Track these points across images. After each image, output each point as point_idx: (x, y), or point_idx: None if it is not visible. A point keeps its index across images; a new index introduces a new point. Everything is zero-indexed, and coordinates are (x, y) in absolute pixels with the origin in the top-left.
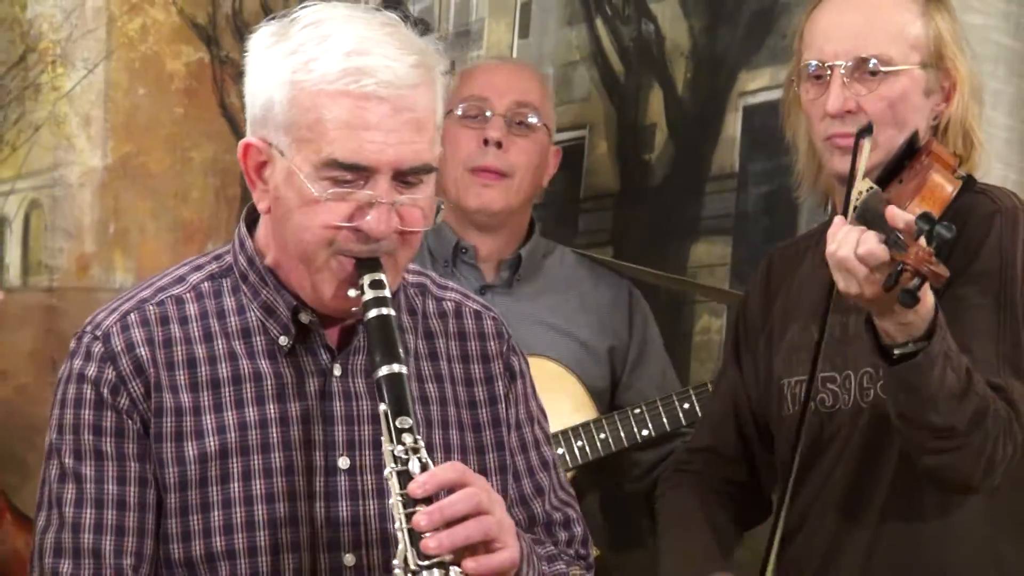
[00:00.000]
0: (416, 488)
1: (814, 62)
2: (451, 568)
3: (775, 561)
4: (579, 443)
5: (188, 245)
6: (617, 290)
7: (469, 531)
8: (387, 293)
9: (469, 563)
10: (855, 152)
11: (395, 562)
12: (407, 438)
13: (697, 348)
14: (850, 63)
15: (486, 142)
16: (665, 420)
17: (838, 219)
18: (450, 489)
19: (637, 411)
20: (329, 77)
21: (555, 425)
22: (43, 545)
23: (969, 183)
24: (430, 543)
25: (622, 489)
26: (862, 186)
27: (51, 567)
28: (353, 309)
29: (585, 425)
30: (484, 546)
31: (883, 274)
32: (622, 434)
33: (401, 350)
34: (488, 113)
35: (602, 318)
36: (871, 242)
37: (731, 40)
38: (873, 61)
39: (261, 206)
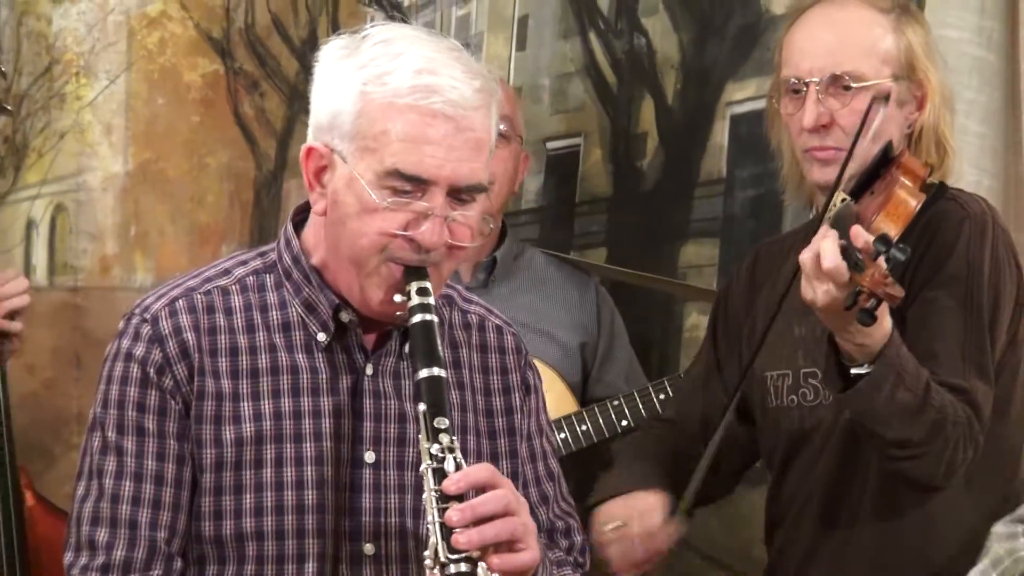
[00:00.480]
0: (450, 485)
1: (791, 78)
2: (478, 564)
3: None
4: (562, 435)
5: (204, 247)
6: (585, 288)
7: (497, 530)
8: (432, 301)
9: (494, 560)
10: (862, 123)
11: (426, 553)
12: (444, 438)
13: (687, 344)
14: (824, 79)
15: None
16: (643, 410)
17: (823, 229)
18: (481, 489)
19: (616, 403)
20: (400, 92)
21: None
22: (81, 513)
23: (941, 190)
24: (460, 538)
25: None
26: (837, 198)
27: (88, 534)
28: (398, 314)
29: (567, 418)
30: (508, 545)
31: (842, 291)
32: (603, 425)
33: (442, 355)
34: None
35: (572, 315)
36: (835, 260)
37: (718, 53)
38: (846, 77)
39: (317, 208)
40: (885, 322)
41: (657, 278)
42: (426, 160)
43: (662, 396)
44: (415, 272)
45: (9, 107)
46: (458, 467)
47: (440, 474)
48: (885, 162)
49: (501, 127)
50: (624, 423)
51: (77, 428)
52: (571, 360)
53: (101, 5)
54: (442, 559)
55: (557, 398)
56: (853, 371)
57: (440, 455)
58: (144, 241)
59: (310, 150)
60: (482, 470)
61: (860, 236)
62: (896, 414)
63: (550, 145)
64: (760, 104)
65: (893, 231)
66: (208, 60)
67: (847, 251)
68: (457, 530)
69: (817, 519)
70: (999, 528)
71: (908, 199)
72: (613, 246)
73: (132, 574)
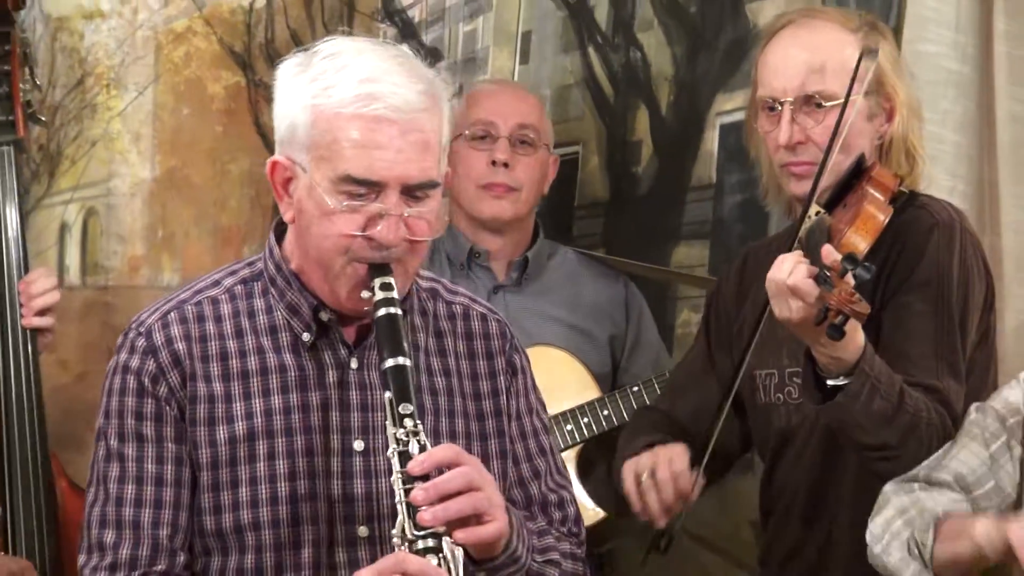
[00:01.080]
0: (414, 466)
1: (767, 97)
2: (443, 538)
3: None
4: (585, 419)
5: (227, 248)
6: (614, 284)
7: (461, 505)
8: (395, 295)
9: (459, 533)
10: (853, 79)
11: (394, 531)
12: (408, 423)
13: (679, 339)
14: (798, 99)
15: (494, 162)
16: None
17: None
18: (446, 468)
19: (635, 389)
20: (344, 102)
21: (563, 404)
22: (91, 517)
23: (911, 199)
24: (425, 515)
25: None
26: (812, 211)
27: (97, 537)
28: (366, 309)
29: (590, 404)
30: (475, 519)
31: (812, 307)
32: (623, 410)
33: (407, 345)
34: (495, 136)
35: (602, 310)
36: (801, 276)
37: (709, 66)
38: (818, 96)
39: (287, 217)
40: (857, 336)
41: (663, 269)
42: (375, 164)
43: None
44: (378, 268)
45: (43, 118)
46: (422, 449)
47: (405, 456)
48: (858, 174)
49: (529, 135)
50: None
51: None
52: (601, 351)
53: (130, 21)
54: (409, 536)
55: (581, 386)
56: (829, 382)
57: (405, 439)
58: (170, 243)
59: (275, 164)
60: (446, 450)
61: (829, 255)
62: (872, 421)
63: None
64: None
65: (863, 245)
66: (231, 73)
67: (817, 269)
68: (422, 508)
69: (802, 511)
70: (890, 487)
71: (877, 214)
72: (610, 247)
73: (137, 570)
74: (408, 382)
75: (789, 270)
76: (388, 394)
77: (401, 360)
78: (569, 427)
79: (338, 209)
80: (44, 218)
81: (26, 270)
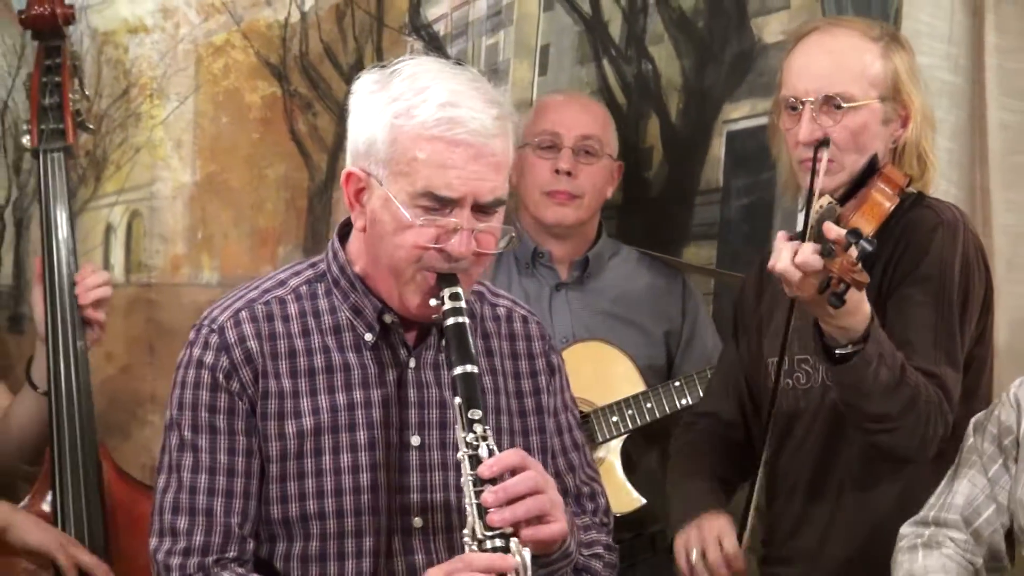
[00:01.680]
0: (484, 470)
1: (790, 97)
2: (511, 539)
3: (754, 513)
4: (630, 412)
5: (263, 248)
6: (672, 282)
7: (528, 507)
8: (463, 304)
9: (526, 532)
10: (814, 164)
11: (465, 531)
12: (477, 428)
13: None
14: (818, 99)
15: (557, 171)
16: (700, 391)
17: (780, 234)
18: (512, 471)
19: (677, 384)
20: (427, 124)
21: (611, 397)
22: (163, 503)
23: (919, 199)
24: (495, 517)
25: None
26: (824, 200)
27: (170, 522)
28: (433, 316)
29: (635, 397)
30: (538, 519)
31: (818, 279)
32: (665, 403)
33: (474, 352)
34: (559, 146)
35: (658, 306)
36: (807, 253)
37: (716, 77)
38: (838, 98)
39: (358, 224)
40: (864, 306)
41: (699, 267)
42: (452, 182)
43: None
44: (447, 279)
45: (91, 126)
46: (491, 453)
47: (475, 460)
48: (871, 172)
49: (593, 145)
50: (683, 401)
51: (151, 407)
52: (656, 346)
53: (172, 35)
54: (479, 536)
55: (628, 380)
56: (837, 351)
57: (475, 443)
58: (210, 243)
59: (349, 174)
60: (513, 455)
61: (832, 230)
62: (877, 390)
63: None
64: (753, 122)
65: (867, 228)
66: (267, 83)
67: (821, 243)
68: (492, 509)
69: (806, 491)
70: (906, 530)
71: (883, 201)
72: None
73: (210, 555)
74: (476, 388)
75: (791, 253)
76: (457, 400)
77: (470, 368)
78: (615, 419)
79: (415, 222)
80: (91, 219)
81: (76, 268)
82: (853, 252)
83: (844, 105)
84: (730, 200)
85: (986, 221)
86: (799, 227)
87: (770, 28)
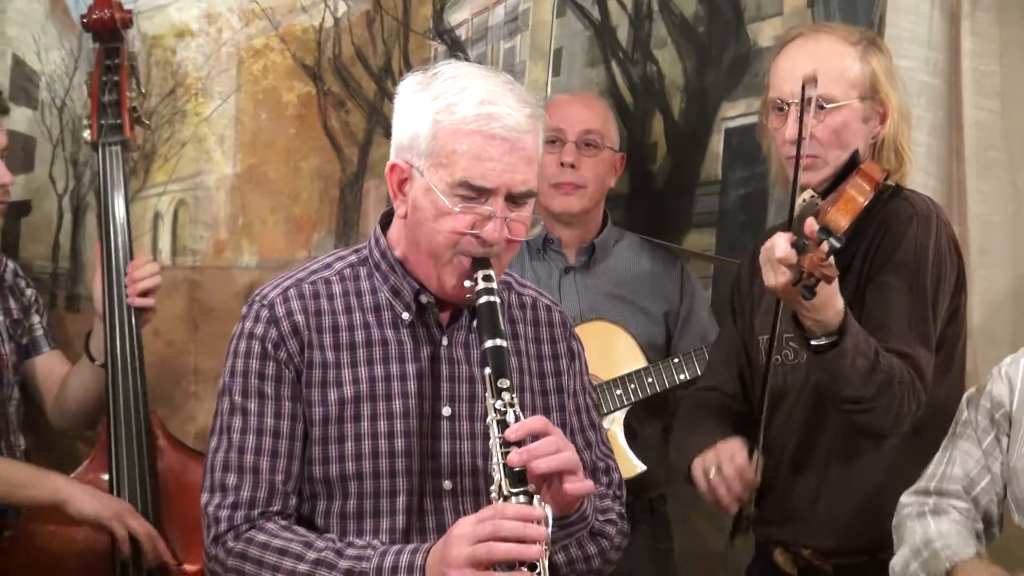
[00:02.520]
0: (511, 433)
1: (776, 99)
2: (534, 496)
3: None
4: (632, 385)
5: (299, 234)
6: (671, 267)
7: (551, 465)
8: (495, 285)
9: (548, 492)
10: (797, 162)
11: (492, 488)
12: (505, 395)
13: None
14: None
15: (562, 164)
16: (697, 367)
17: (778, 233)
18: (535, 436)
19: (676, 360)
20: (467, 119)
21: (615, 372)
22: (214, 462)
23: (896, 191)
24: (513, 458)
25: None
26: (807, 194)
27: (220, 479)
28: (467, 296)
29: (637, 372)
30: (559, 479)
31: (791, 271)
32: (664, 378)
33: (503, 329)
34: (563, 140)
35: (659, 289)
36: (784, 248)
37: (715, 78)
38: (820, 99)
39: (400, 212)
40: (836, 301)
41: (697, 252)
42: (488, 173)
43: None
44: (481, 262)
45: (147, 121)
46: (517, 419)
47: (503, 424)
48: (852, 167)
49: (594, 139)
50: (682, 376)
51: (195, 379)
52: (657, 324)
53: (216, 39)
54: (505, 492)
55: (631, 356)
56: (813, 342)
57: (503, 409)
58: (250, 229)
59: (393, 166)
60: (537, 421)
61: (808, 225)
62: (854, 375)
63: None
64: (749, 120)
65: (843, 222)
66: (303, 83)
67: (797, 238)
68: (517, 469)
69: (793, 462)
70: (907, 499)
71: (857, 196)
72: None
73: (256, 508)
74: (505, 360)
75: (780, 242)
76: (487, 370)
77: (499, 341)
78: (619, 392)
79: (454, 210)
80: (141, 208)
81: (131, 253)
82: (825, 247)
83: (826, 105)
84: (727, 191)
85: (962, 211)
86: (788, 217)
87: (765, 33)
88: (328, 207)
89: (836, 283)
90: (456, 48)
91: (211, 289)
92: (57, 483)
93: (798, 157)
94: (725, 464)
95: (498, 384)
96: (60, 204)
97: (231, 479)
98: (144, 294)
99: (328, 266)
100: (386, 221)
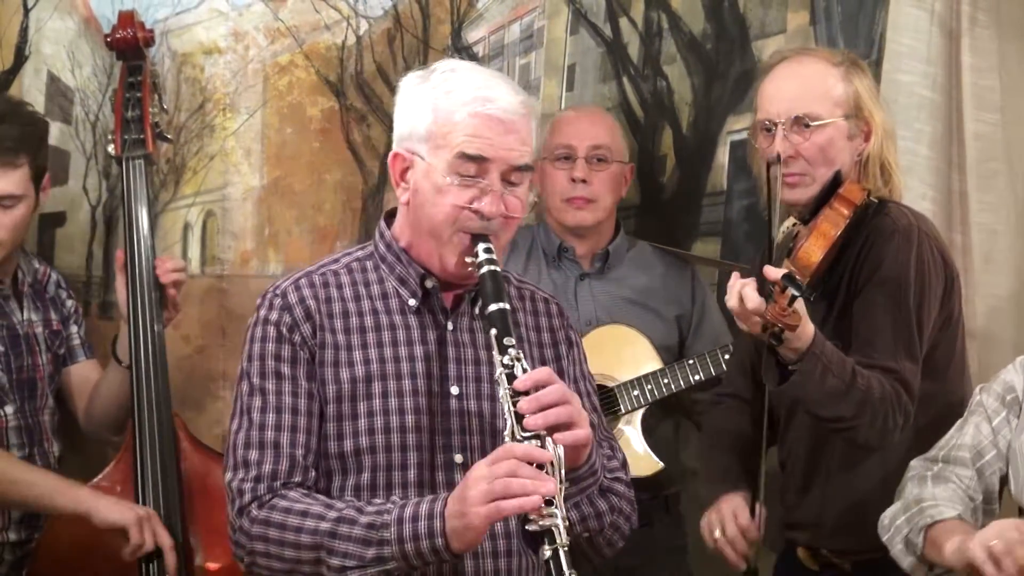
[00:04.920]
0: (519, 383)
1: (764, 120)
2: (545, 439)
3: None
4: (648, 386)
5: (322, 243)
6: (683, 272)
7: (558, 413)
8: (495, 256)
9: (557, 435)
10: (769, 182)
11: (505, 433)
12: (511, 351)
13: None
14: (789, 120)
15: (574, 179)
16: (711, 368)
17: (734, 275)
18: (542, 386)
19: (691, 362)
20: (465, 101)
21: (632, 373)
22: (236, 441)
23: (880, 207)
24: (529, 421)
25: (690, 419)
26: (788, 222)
27: (242, 456)
28: (469, 270)
29: (653, 373)
30: (567, 426)
31: (761, 320)
32: (680, 379)
33: (505, 294)
34: (574, 156)
35: (671, 294)
36: (755, 301)
37: (722, 93)
38: (806, 118)
39: (402, 199)
40: (807, 329)
41: (705, 258)
42: (484, 147)
43: (727, 356)
44: (480, 237)
45: (169, 136)
46: (524, 371)
47: (511, 377)
48: (836, 185)
49: (604, 153)
50: (696, 377)
51: (222, 384)
52: (670, 329)
53: (243, 56)
54: (517, 437)
55: (647, 358)
56: (791, 367)
57: (511, 363)
58: (275, 239)
59: (395, 155)
60: (543, 371)
61: (770, 273)
62: (827, 396)
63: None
64: None
65: (815, 255)
66: (326, 99)
67: (761, 287)
68: (527, 416)
69: (804, 467)
70: (916, 463)
71: (829, 229)
72: None
73: (278, 480)
74: (509, 321)
75: (750, 295)
76: (493, 331)
77: (503, 304)
78: (636, 392)
79: (451, 185)
80: (171, 219)
81: (154, 261)
82: (788, 295)
83: (812, 124)
84: (732, 202)
85: (964, 220)
86: (767, 241)
87: (769, 50)
88: (351, 217)
89: (805, 319)
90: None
91: (238, 297)
92: (80, 494)
93: (769, 177)
94: (728, 524)
95: (504, 342)
96: (93, 215)
97: (253, 455)
98: (174, 285)
99: (336, 260)
100: (389, 219)
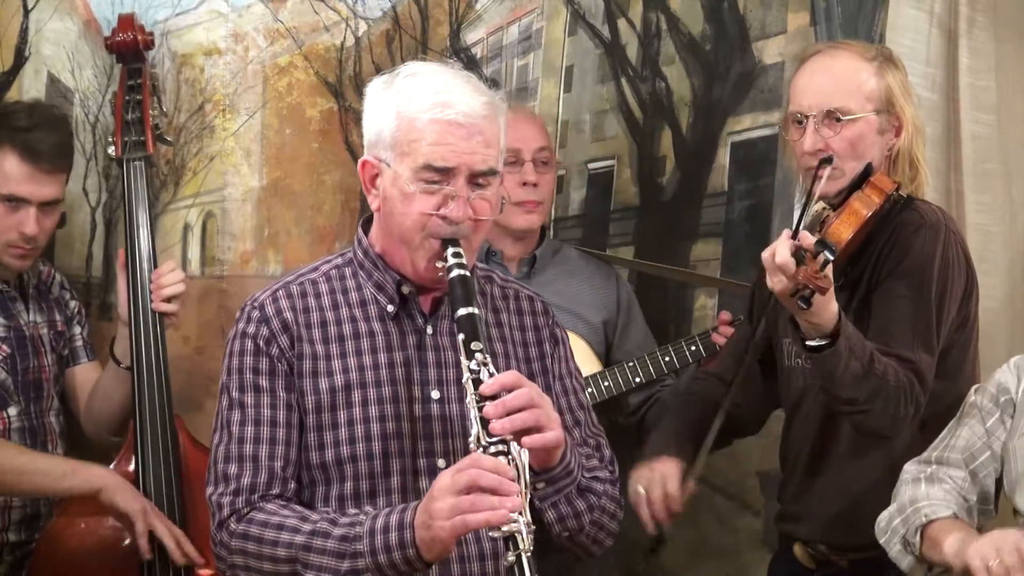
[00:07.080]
0: (485, 388)
1: (795, 112)
2: (511, 444)
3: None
4: (589, 389)
5: (321, 244)
6: (608, 277)
7: (525, 417)
8: (464, 260)
9: (525, 440)
10: (814, 177)
11: (470, 440)
12: (478, 356)
13: (696, 321)
14: (820, 113)
15: (525, 183)
16: (651, 370)
17: (786, 232)
18: (509, 389)
19: (631, 364)
20: (423, 108)
21: None
22: (216, 455)
23: (908, 202)
24: (495, 426)
25: (617, 424)
26: (818, 206)
27: (222, 470)
28: (440, 275)
29: (593, 376)
30: (536, 429)
31: (790, 281)
32: (620, 381)
33: (475, 298)
34: (522, 160)
35: (597, 298)
36: (784, 255)
37: (722, 93)
38: (837, 112)
39: (373, 206)
40: (831, 306)
41: (674, 268)
42: (448, 155)
43: (667, 358)
44: (450, 241)
45: (170, 138)
46: (491, 376)
47: (478, 382)
48: (866, 177)
49: (547, 156)
50: (637, 379)
51: None
52: (596, 333)
53: (242, 57)
54: (483, 443)
55: (586, 360)
56: (808, 343)
57: (477, 368)
58: (275, 240)
59: (364, 163)
60: (510, 375)
61: (806, 238)
62: (848, 378)
63: (591, 166)
64: (754, 134)
65: (845, 232)
66: (325, 100)
67: (798, 249)
68: (493, 420)
69: (808, 462)
70: (909, 467)
71: (861, 208)
72: (639, 245)
73: (256, 492)
74: (477, 325)
75: (780, 248)
76: (461, 336)
77: (472, 309)
78: None
79: (417, 192)
80: (171, 219)
81: (155, 262)
82: (820, 259)
83: (843, 118)
84: (733, 202)
85: (960, 220)
86: (794, 225)
87: (769, 50)
88: (349, 218)
89: (832, 291)
90: (472, 65)
91: (238, 297)
92: (94, 471)
93: (816, 174)
94: (655, 488)
95: (471, 347)
96: (93, 216)
97: (232, 468)
98: (168, 300)
99: (315, 269)
100: (367, 225)
